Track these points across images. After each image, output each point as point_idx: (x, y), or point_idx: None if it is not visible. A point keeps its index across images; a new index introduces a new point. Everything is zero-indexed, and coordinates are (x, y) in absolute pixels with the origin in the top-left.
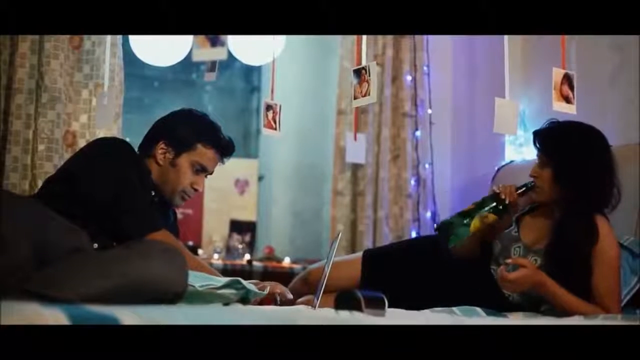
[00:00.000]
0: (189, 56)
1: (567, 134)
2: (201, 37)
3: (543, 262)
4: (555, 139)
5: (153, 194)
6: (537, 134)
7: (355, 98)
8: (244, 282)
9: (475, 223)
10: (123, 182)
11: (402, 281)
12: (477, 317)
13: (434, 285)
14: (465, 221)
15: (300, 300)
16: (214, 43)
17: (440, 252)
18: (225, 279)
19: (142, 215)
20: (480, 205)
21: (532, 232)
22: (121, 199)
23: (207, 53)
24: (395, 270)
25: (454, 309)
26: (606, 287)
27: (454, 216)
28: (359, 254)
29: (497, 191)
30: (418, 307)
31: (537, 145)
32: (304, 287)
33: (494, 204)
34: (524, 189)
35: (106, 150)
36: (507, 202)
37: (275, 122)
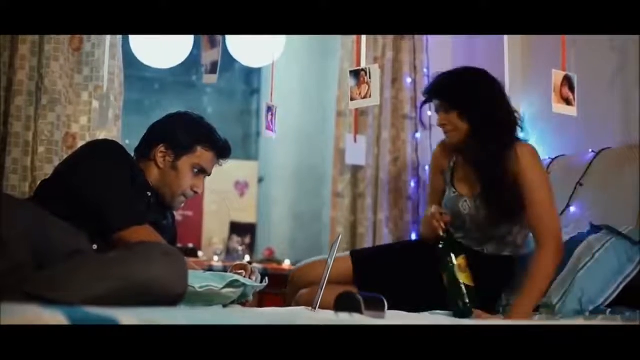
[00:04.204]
0: (189, 58)
1: (460, 76)
2: (205, 41)
3: (479, 205)
4: (452, 83)
5: (149, 194)
6: (432, 89)
7: (352, 99)
8: (242, 279)
9: (461, 277)
10: (110, 178)
11: (389, 284)
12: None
13: (423, 287)
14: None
15: (300, 293)
16: (213, 45)
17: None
18: (224, 280)
19: (125, 207)
20: (446, 268)
21: (465, 183)
22: (107, 192)
23: (209, 55)
24: (382, 273)
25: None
26: (539, 212)
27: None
28: (347, 253)
29: (442, 234)
30: (408, 310)
31: (437, 98)
32: (294, 288)
33: (449, 249)
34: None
35: (97, 151)
36: (449, 231)
37: (272, 124)
